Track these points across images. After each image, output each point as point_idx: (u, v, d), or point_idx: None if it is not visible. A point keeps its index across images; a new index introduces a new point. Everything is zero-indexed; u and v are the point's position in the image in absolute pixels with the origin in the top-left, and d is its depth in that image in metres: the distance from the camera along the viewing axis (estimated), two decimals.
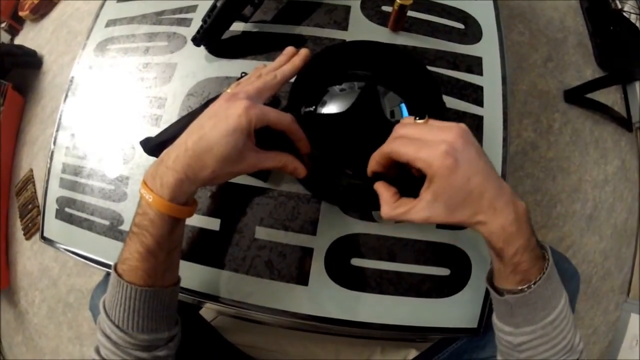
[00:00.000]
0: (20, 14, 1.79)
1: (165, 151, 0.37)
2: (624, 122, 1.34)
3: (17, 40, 1.85)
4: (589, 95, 1.31)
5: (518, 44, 1.38)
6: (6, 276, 1.49)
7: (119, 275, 0.37)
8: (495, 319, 0.40)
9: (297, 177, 0.43)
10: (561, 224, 1.20)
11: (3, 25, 1.84)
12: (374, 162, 0.37)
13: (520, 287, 0.34)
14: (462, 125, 0.33)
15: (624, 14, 1.39)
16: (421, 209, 0.33)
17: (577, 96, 1.32)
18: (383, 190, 0.37)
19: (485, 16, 0.61)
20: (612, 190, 1.27)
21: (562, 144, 1.27)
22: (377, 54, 0.45)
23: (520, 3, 1.44)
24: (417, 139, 0.33)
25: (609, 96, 1.36)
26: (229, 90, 0.42)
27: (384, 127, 0.38)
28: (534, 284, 0.34)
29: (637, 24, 1.36)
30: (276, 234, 0.50)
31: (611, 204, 1.26)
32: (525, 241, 0.33)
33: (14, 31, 1.87)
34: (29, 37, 1.81)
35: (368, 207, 0.49)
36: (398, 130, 0.36)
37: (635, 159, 1.34)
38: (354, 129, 0.43)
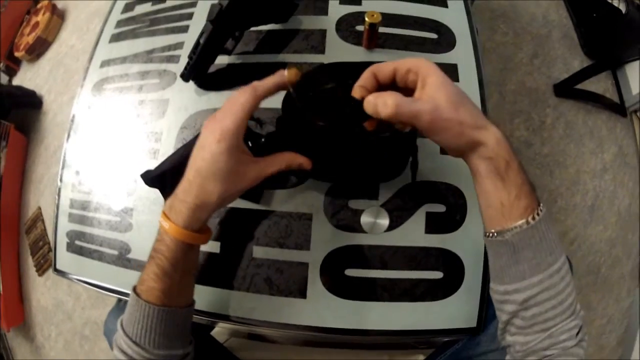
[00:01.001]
0: (16, 54, 1.82)
1: (178, 186, 0.40)
2: (618, 108, 1.35)
3: (15, 81, 1.88)
4: (579, 86, 1.32)
5: (502, 44, 1.40)
6: (21, 312, 1.52)
7: (137, 295, 0.39)
8: (496, 286, 0.38)
9: (305, 169, 0.43)
10: (563, 218, 1.20)
11: (0, 65, 1.87)
12: (359, 88, 0.37)
13: (526, 219, 0.34)
14: None
15: None
16: (427, 100, 0.33)
17: (566, 89, 1.33)
18: (383, 93, 0.35)
19: (457, 22, 0.63)
20: (612, 177, 1.27)
21: (556, 138, 1.28)
22: (348, 72, 0.48)
23: (501, 3, 1.47)
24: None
25: (599, 84, 1.37)
26: None
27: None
28: (537, 214, 0.34)
29: (620, 6, 1.36)
30: (272, 251, 0.52)
31: (612, 191, 1.26)
32: (519, 162, 0.35)
33: (11, 71, 1.90)
34: (27, 77, 1.85)
35: (377, 173, 0.51)
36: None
37: (632, 143, 1.34)
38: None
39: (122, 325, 0.41)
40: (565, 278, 0.35)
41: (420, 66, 0.34)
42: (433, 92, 0.33)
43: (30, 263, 1.52)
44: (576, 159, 1.27)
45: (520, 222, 0.34)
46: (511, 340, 0.38)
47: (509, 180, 0.34)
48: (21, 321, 1.51)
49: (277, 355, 0.75)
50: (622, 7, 1.35)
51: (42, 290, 1.50)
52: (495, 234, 0.36)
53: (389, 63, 0.36)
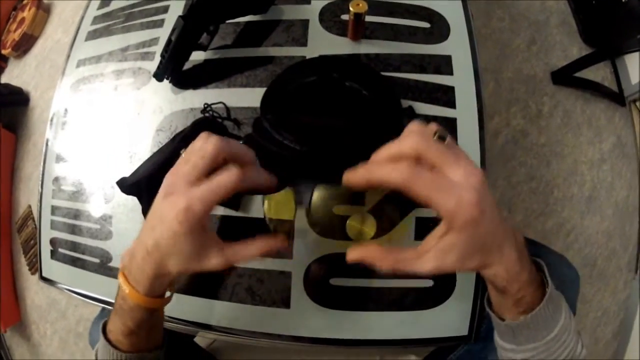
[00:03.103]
0: (3, 51, 1.80)
1: (135, 244, 0.36)
2: (616, 97, 1.32)
3: (3, 79, 1.86)
4: (577, 74, 1.29)
5: (499, 30, 1.36)
6: (17, 311, 1.52)
7: (108, 340, 0.38)
8: (496, 337, 0.39)
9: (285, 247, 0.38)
10: (560, 210, 1.19)
11: None
12: (369, 176, 0.31)
13: (522, 318, 0.34)
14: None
15: None
16: (431, 258, 0.31)
17: (565, 77, 1.30)
18: (371, 250, 0.33)
19: (452, 10, 0.59)
20: (610, 168, 1.25)
21: (553, 127, 1.25)
22: (332, 66, 0.46)
23: None
24: (438, 174, 0.29)
25: (598, 72, 1.33)
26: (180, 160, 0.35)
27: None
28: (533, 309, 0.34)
29: None
30: (253, 260, 0.49)
31: (610, 182, 1.24)
32: (527, 275, 0.33)
33: None
34: (14, 75, 1.83)
35: None
36: (411, 141, 0.30)
37: (631, 133, 1.32)
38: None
39: (96, 356, 0.40)
40: (560, 339, 0.35)
41: (453, 216, 0.29)
42: (451, 246, 0.30)
43: (23, 262, 1.52)
44: (574, 148, 1.25)
45: (517, 318, 0.34)
46: None
47: (507, 295, 0.34)
48: (17, 320, 1.51)
49: (263, 356, 0.74)
50: None
51: (35, 289, 1.50)
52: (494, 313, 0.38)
53: (424, 193, 0.28)
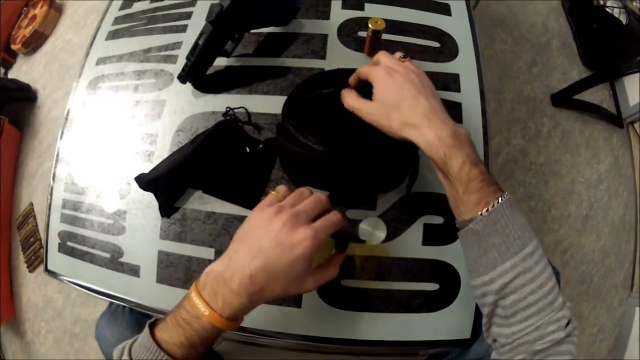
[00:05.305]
0: (13, 47, 1.80)
1: (223, 267, 0.37)
2: (614, 119, 1.35)
3: (11, 74, 1.86)
4: (576, 96, 1.31)
5: (502, 52, 1.39)
6: (11, 308, 1.49)
7: (157, 342, 0.36)
8: (473, 280, 0.39)
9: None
10: (557, 228, 1.21)
11: None
12: (352, 79, 0.46)
13: (480, 212, 0.35)
14: (416, 67, 0.43)
15: (607, 9, 1.39)
16: (367, 105, 0.41)
17: (564, 99, 1.33)
18: (347, 93, 0.44)
19: (460, 32, 0.62)
20: (607, 188, 1.27)
21: (552, 147, 1.28)
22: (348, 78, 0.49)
23: (501, 11, 1.46)
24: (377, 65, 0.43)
25: (596, 94, 1.37)
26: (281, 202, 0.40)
27: None
28: (496, 204, 0.35)
29: (620, 18, 1.36)
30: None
31: (607, 202, 1.26)
32: (468, 156, 0.36)
33: (7, 64, 1.88)
34: (23, 71, 1.82)
35: (376, 183, 0.52)
36: (377, 56, 0.44)
37: (628, 154, 1.35)
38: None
39: (129, 353, 0.37)
40: (540, 262, 0.35)
41: (372, 77, 0.42)
42: (376, 96, 0.41)
43: (21, 259, 1.50)
44: (571, 168, 1.27)
45: (472, 215, 0.36)
46: (496, 332, 0.37)
47: (452, 178, 0.37)
48: (12, 316, 1.49)
49: (270, 357, 0.75)
50: (623, 19, 1.35)
51: (32, 287, 1.48)
52: (460, 225, 0.39)
53: (362, 71, 0.44)
